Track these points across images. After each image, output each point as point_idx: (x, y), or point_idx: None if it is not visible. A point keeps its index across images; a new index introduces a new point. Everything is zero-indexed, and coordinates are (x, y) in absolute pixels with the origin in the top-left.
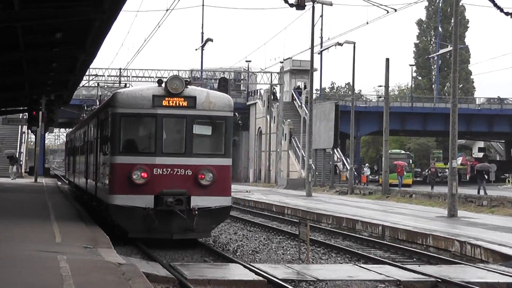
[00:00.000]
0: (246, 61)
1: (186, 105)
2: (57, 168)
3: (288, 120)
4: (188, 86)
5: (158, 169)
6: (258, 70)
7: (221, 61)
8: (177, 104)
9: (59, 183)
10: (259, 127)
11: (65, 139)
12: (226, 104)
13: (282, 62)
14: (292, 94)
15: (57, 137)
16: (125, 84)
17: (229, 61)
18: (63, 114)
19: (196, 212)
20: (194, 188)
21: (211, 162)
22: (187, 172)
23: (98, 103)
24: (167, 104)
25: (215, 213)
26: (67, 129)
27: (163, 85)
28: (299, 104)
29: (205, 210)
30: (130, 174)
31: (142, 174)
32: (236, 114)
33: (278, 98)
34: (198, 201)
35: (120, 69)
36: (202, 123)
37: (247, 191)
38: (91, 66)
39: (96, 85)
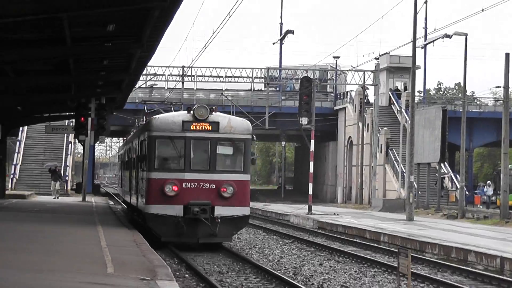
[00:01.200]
0: (334, 57)
1: (210, 129)
2: (108, 185)
3: (385, 128)
4: (213, 113)
5: (187, 183)
6: (348, 68)
7: (303, 58)
8: (203, 128)
9: (111, 202)
10: (349, 137)
11: (117, 151)
12: (245, 128)
13: (378, 59)
14: (390, 96)
15: (108, 148)
16: (159, 109)
17: (313, 57)
18: (116, 121)
19: (219, 220)
20: (217, 200)
21: (232, 178)
22: (211, 186)
23: (144, 118)
24: (194, 128)
25: (235, 221)
26: (120, 139)
27: (191, 112)
28: (398, 109)
29: (226, 218)
30: (163, 188)
31: (173, 188)
32: (254, 137)
33: (373, 101)
34: (220, 211)
35: (183, 67)
36: (224, 144)
37: (334, 214)
38: (149, 64)
39: (154, 86)
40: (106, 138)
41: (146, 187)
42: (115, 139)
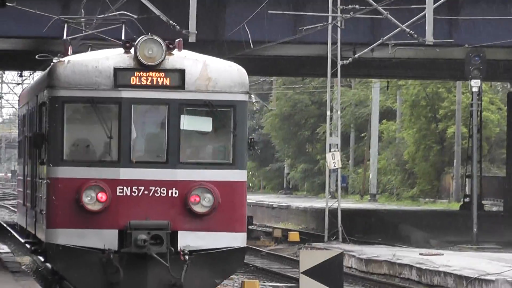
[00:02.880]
0: None
1: (168, 83)
2: None
3: None
4: (174, 52)
5: (124, 188)
6: None
7: None
8: (155, 83)
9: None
10: None
11: (17, 114)
12: (237, 81)
13: None
14: None
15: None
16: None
17: None
18: (12, 26)
19: (187, 257)
20: (183, 219)
21: (210, 177)
22: (172, 193)
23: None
24: (137, 83)
25: (218, 259)
26: (25, 78)
27: (132, 51)
28: None
29: (201, 254)
30: (79, 196)
31: (99, 196)
32: (252, 95)
33: None
34: (189, 240)
35: None
36: (196, 112)
37: None
38: None
39: None
40: None
41: (48, 195)
42: (10, 76)
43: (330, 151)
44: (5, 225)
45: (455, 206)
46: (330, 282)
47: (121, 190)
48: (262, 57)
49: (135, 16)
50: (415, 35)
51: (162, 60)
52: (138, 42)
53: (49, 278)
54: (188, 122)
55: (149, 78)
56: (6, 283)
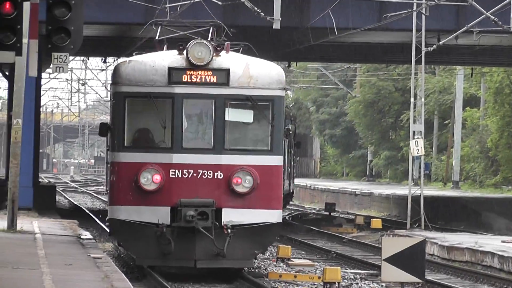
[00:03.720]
0: None
1: (215, 81)
2: (84, 185)
3: None
4: (220, 53)
5: (176, 171)
6: None
7: None
8: (203, 80)
9: (87, 235)
10: None
11: (108, 97)
12: (274, 79)
13: None
14: None
15: (80, 89)
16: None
17: None
18: (100, 13)
19: (230, 231)
20: (227, 198)
21: (251, 161)
22: (217, 175)
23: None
24: (189, 80)
25: (257, 233)
26: (110, 61)
27: (185, 52)
28: None
29: (242, 228)
30: (137, 178)
31: (154, 178)
32: (290, 91)
33: None
34: (232, 216)
35: None
36: (238, 106)
37: None
38: None
39: None
40: (71, 59)
41: (111, 177)
42: (94, 62)
43: (413, 138)
44: (87, 211)
45: None
46: (412, 269)
47: (173, 173)
48: (346, 44)
49: (221, 23)
50: (500, 22)
51: (210, 61)
52: (190, 45)
53: (130, 264)
54: (232, 114)
55: (198, 76)
56: (88, 269)
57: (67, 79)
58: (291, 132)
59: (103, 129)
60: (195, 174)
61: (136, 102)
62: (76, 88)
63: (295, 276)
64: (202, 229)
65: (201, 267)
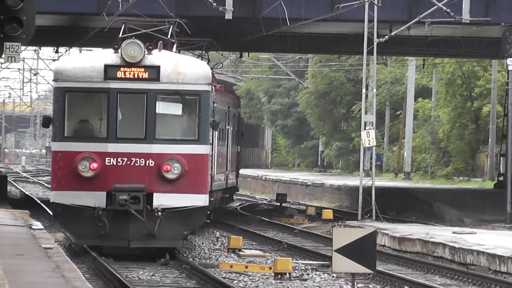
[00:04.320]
0: None
1: (147, 77)
2: (29, 176)
3: None
4: (152, 52)
5: (111, 159)
6: None
7: None
8: (136, 76)
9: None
10: None
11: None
12: (201, 75)
13: None
14: None
15: (32, 79)
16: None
17: None
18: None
19: (160, 214)
20: (157, 183)
21: (179, 150)
22: (148, 163)
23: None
24: (123, 76)
25: (185, 216)
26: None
27: (119, 51)
28: None
29: (171, 211)
30: (76, 165)
31: (91, 165)
32: (213, 87)
33: None
34: (162, 200)
35: None
36: (168, 99)
37: None
38: None
39: None
40: (23, 49)
41: (52, 164)
42: (46, 52)
43: (365, 129)
44: (39, 201)
45: (490, 185)
46: (363, 260)
47: (109, 161)
48: (298, 35)
49: (184, 20)
50: (452, 13)
51: (142, 58)
52: (123, 44)
53: (81, 254)
54: (162, 107)
55: (132, 73)
56: (39, 259)
57: (19, 69)
58: (233, 124)
59: (46, 121)
60: (128, 162)
61: (75, 96)
62: (28, 78)
63: (246, 267)
64: (134, 212)
65: (134, 247)
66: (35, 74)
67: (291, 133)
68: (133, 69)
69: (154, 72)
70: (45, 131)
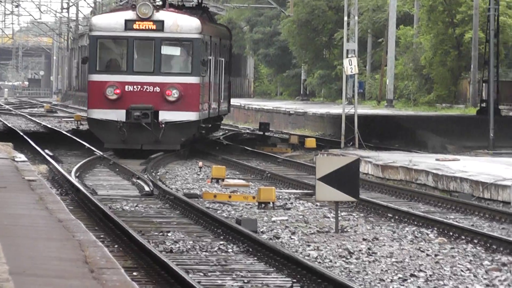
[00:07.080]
0: None
1: (155, 28)
2: (12, 108)
3: None
4: (159, 10)
5: (129, 86)
6: None
7: None
8: (147, 28)
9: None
10: None
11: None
12: (194, 27)
13: None
14: None
15: None
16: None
17: None
18: None
19: (163, 126)
20: (162, 104)
21: (178, 80)
22: (155, 89)
23: None
24: (137, 28)
25: (182, 127)
26: None
27: (135, 10)
28: None
29: (172, 124)
30: (104, 90)
31: (115, 91)
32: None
33: None
34: (165, 116)
35: None
36: (169, 44)
37: None
38: None
39: None
40: None
41: (88, 90)
42: None
43: (347, 57)
44: (21, 133)
45: (472, 111)
46: (347, 188)
47: (128, 88)
48: None
49: None
50: None
51: (151, 15)
52: (138, 4)
53: (64, 186)
54: (165, 50)
55: (144, 25)
56: (22, 191)
57: (1, 1)
58: (224, 56)
59: (84, 59)
60: (141, 88)
61: (104, 42)
62: (10, 10)
63: (230, 197)
64: (145, 124)
65: (145, 149)
66: (16, 6)
67: (273, 62)
68: (145, 22)
69: (160, 24)
70: (27, 62)
